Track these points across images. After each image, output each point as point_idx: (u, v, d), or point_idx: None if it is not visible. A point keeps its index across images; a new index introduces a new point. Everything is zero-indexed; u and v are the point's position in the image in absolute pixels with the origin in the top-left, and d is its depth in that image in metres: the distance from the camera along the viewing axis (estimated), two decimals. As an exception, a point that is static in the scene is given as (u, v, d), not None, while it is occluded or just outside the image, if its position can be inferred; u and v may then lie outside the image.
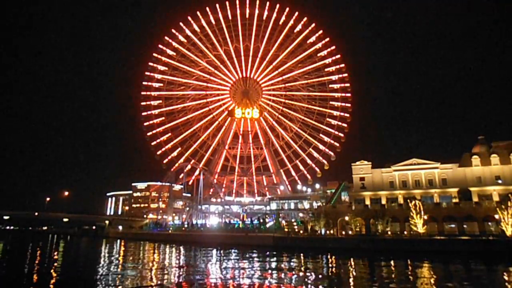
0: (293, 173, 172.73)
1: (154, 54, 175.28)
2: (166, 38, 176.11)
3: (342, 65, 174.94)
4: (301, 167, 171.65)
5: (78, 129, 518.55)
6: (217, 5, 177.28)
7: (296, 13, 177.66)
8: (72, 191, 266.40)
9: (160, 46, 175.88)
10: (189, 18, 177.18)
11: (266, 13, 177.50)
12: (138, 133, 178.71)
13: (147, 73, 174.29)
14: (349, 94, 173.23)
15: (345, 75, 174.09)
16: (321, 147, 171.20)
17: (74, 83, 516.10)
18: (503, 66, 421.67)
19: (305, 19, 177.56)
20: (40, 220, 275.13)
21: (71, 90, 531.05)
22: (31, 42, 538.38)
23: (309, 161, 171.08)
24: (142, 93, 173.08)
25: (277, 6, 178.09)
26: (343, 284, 41.77)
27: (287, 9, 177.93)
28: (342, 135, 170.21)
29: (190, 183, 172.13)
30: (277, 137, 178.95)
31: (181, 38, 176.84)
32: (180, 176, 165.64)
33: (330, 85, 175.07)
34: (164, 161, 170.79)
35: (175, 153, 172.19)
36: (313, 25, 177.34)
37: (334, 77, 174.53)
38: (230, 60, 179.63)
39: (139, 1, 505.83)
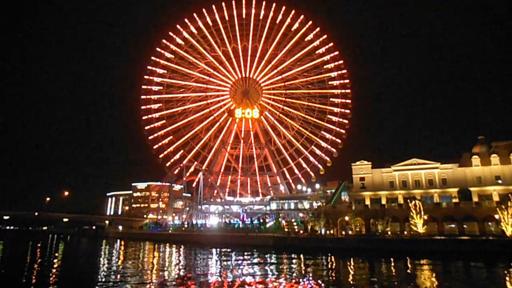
0: (296, 171, 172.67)
1: (153, 57, 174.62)
2: (164, 41, 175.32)
3: (341, 61, 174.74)
4: (304, 165, 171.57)
5: (79, 130, 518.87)
6: (214, 6, 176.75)
7: (293, 12, 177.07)
8: (72, 191, 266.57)
9: (158, 49, 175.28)
10: (186, 20, 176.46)
11: (262, 12, 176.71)
12: (139, 133, 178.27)
13: (146, 76, 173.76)
14: (348, 90, 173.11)
15: (344, 71, 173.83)
16: (323, 144, 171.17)
17: (75, 84, 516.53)
18: (503, 66, 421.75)
19: (302, 17, 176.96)
20: (40, 220, 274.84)
21: (71, 90, 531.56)
22: (33, 44, 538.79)
23: (311, 159, 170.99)
24: (142, 97, 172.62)
25: (274, 5, 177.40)
26: (343, 284, 41.77)
27: (284, 7, 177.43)
28: (343, 131, 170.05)
29: (194, 185, 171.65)
30: (278, 136, 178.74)
31: (178, 40, 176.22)
32: (184, 178, 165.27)
33: (330, 82, 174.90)
34: (167, 164, 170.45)
35: (177, 156, 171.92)
36: (310, 22, 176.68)
37: (333, 74, 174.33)
38: (229, 60, 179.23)
39: (136, 5, 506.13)
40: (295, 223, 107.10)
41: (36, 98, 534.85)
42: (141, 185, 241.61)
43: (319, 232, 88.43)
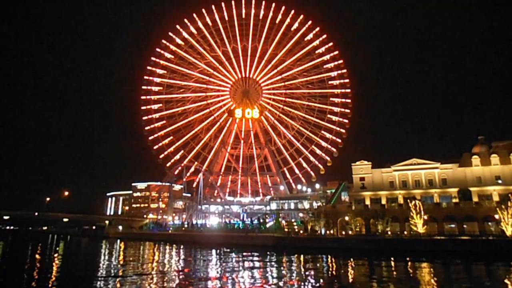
0: (296, 171, 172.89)
1: (152, 58, 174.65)
2: (164, 41, 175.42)
3: (341, 61, 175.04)
4: (304, 165, 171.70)
5: (79, 130, 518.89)
6: (213, 6, 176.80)
7: (292, 11, 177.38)
8: (72, 191, 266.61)
9: (158, 49, 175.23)
10: (186, 20, 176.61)
11: (262, 12, 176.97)
12: (139, 133, 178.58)
13: (146, 77, 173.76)
14: (348, 90, 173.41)
15: (344, 71, 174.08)
16: (323, 144, 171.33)
17: (75, 84, 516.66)
18: (503, 66, 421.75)
19: (301, 16, 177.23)
20: (40, 220, 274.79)
21: (71, 90, 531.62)
22: (33, 45, 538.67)
23: (312, 158, 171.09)
24: (142, 97, 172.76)
25: (273, 5, 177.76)
26: (343, 284, 41.75)
27: (283, 7, 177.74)
28: (343, 131, 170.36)
29: (194, 185, 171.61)
30: (278, 136, 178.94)
31: (178, 40, 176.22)
32: (184, 178, 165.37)
33: (330, 82, 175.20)
34: (167, 164, 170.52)
35: (177, 156, 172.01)
36: (309, 22, 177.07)
37: (333, 74, 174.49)
38: (229, 61, 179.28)
39: (136, 5, 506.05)
40: (295, 223, 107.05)
41: (36, 98, 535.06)
42: (141, 185, 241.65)
43: (319, 232, 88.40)
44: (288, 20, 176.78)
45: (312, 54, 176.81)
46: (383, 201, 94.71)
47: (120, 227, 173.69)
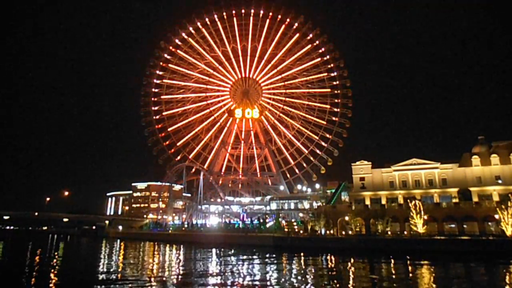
0: (296, 170, 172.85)
1: (152, 59, 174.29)
2: (163, 42, 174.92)
3: (341, 60, 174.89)
4: (304, 165, 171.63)
5: (79, 130, 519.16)
6: (213, 6, 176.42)
7: (292, 11, 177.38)
8: (72, 191, 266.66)
9: (157, 50, 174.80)
10: (185, 21, 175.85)
11: (261, 12, 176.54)
12: (139, 134, 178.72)
13: (145, 77, 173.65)
14: (349, 89, 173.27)
15: (344, 70, 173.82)
16: (323, 143, 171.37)
17: (74, 85, 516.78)
18: (503, 66, 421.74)
19: (301, 16, 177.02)
20: (40, 220, 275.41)
21: (71, 91, 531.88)
22: (31, 45, 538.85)
23: (312, 158, 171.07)
24: (142, 98, 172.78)
25: (273, 4, 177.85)
26: (343, 284, 41.73)
27: (283, 7, 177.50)
28: (344, 130, 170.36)
29: (194, 185, 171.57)
30: (279, 136, 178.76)
31: (177, 41, 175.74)
32: (184, 178, 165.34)
33: (330, 81, 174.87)
34: (168, 165, 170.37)
35: (178, 157, 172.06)
36: (309, 21, 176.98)
37: (333, 73, 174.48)
38: (229, 61, 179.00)
39: (134, 7, 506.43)
40: (295, 223, 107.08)
41: (36, 98, 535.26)
42: (141, 185, 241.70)
43: (319, 232, 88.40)
44: (288, 19, 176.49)
45: (312, 53, 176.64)
46: (383, 201, 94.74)
47: (120, 227, 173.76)
